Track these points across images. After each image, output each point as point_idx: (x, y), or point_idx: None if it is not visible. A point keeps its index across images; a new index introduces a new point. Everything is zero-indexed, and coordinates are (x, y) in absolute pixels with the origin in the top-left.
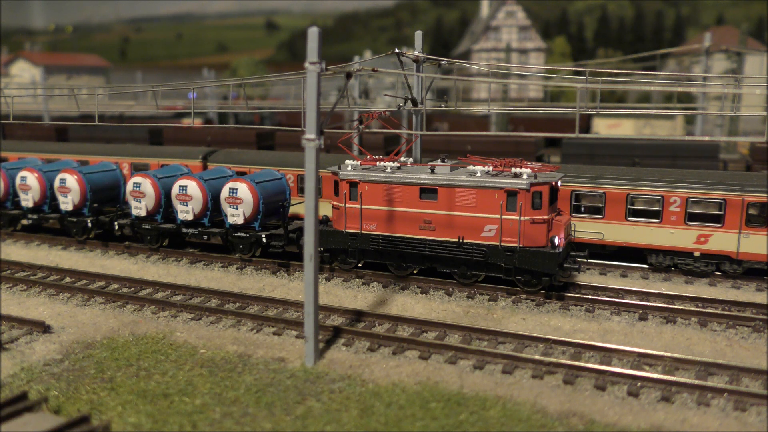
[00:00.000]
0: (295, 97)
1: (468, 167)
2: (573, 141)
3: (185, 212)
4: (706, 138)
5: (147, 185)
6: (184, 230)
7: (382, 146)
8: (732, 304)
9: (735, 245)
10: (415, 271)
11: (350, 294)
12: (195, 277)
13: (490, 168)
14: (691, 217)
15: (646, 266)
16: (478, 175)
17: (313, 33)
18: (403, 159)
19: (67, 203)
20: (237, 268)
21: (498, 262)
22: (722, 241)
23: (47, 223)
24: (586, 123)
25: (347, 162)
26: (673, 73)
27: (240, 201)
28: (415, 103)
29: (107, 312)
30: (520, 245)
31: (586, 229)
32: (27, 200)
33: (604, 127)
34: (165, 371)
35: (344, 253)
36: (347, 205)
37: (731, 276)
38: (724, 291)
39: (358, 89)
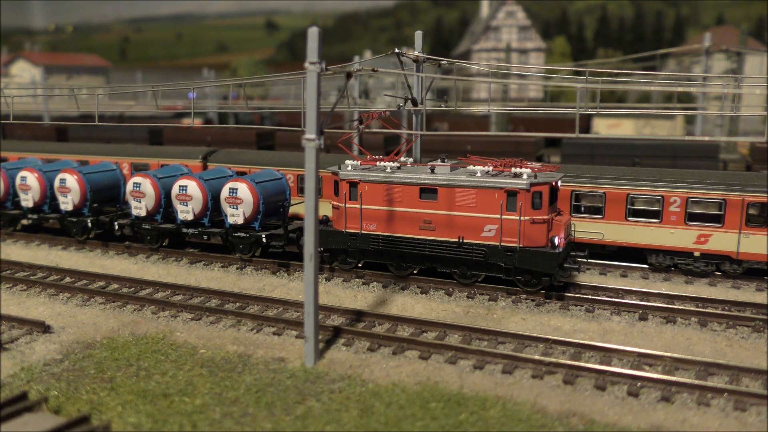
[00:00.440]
0: (295, 97)
1: (468, 167)
2: (573, 141)
3: (185, 212)
4: (706, 138)
5: (147, 185)
6: (184, 230)
7: (382, 146)
8: (732, 304)
9: (735, 245)
10: (415, 271)
11: (350, 294)
12: (195, 277)
13: (490, 168)
14: (691, 217)
15: (646, 266)
16: (478, 175)
17: (313, 33)
18: (403, 159)
19: (67, 203)
20: (237, 268)
21: (498, 262)
22: (722, 241)
23: (47, 223)
24: (586, 123)
25: (347, 162)
26: (673, 73)
27: (240, 201)
28: (415, 103)
29: (107, 312)
30: (520, 245)
31: (586, 229)
32: (27, 200)
33: (604, 127)
34: (165, 371)
35: (344, 253)
36: (347, 205)
37: (731, 276)
38: (724, 291)
39: (358, 89)
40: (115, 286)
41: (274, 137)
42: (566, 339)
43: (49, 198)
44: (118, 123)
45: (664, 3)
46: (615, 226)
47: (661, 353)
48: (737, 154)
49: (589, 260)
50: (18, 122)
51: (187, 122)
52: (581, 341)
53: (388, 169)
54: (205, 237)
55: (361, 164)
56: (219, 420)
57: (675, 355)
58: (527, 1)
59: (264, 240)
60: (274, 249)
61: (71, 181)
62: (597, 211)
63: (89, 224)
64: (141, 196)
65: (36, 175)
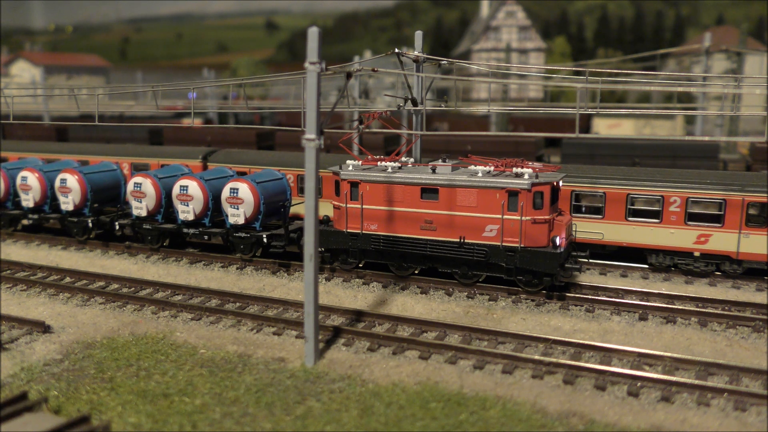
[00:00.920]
0: (295, 97)
1: (469, 167)
2: (573, 141)
3: (186, 212)
4: (706, 138)
5: (148, 185)
6: (185, 230)
7: (382, 146)
8: (732, 304)
9: (735, 245)
10: (416, 272)
11: (350, 294)
12: (195, 277)
13: (492, 168)
14: (691, 217)
15: (646, 266)
16: (480, 175)
17: (313, 33)
18: (404, 159)
19: (67, 203)
20: (237, 268)
21: (499, 262)
22: (722, 241)
23: (48, 223)
24: (586, 123)
25: (348, 162)
26: (673, 73)
27: (241, 201)
28: (415, 103)
29: (107, 312)
30: (522, 245)
31: (586, 229)
32: (28, 200)
33: (604, 127)
34: (165, 371)
35: (345, 253)
36: (348, 205)
37: (731, 276)
38: (724, 291)
39: (358, 89)
40: (115, 286)
41: (274, 137)
42: (566, 339)
43: (49, 198)
44: (118, 123)
45: (664, 3)
46: (615, 226)
47: (661, 353)
48: (737, 154)
49: (589, 260)
50: (18, 122)
51: (187, 122)
52: (581, 341)
53: (389, 169)
54: (206, 237)
55: (362, 164)
56: (219, 420)
57: (675, 355)
58: (527, 1)
59: (265, 240)
60: (274, 249)
61: (72, 181)
62: (597, 211)
63: (90, 224)
64: (142, 196)
65: (37, 175)
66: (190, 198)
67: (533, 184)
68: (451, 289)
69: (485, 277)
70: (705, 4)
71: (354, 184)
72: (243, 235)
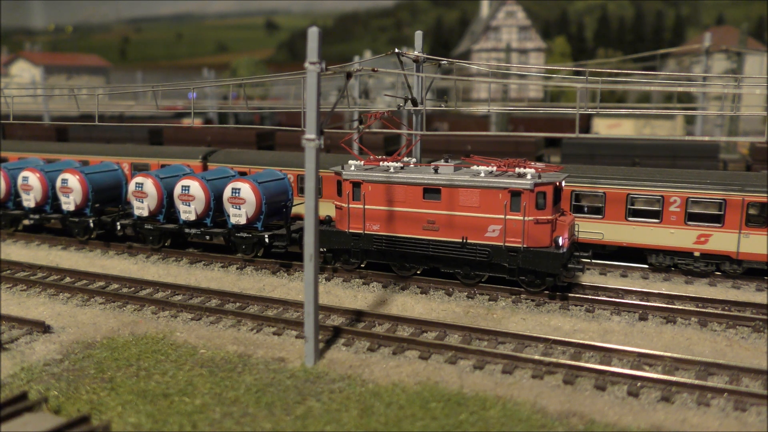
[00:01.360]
0: (295, 97)
1: (471, 167)
2: (573, 141)
3: (188, 212)
4: (706, 138)
5: (149, 185)
6: (187, 230)
7: (382, 146)
8: (732, 304)
9: (735, 245)
10: (418, 272)
11: (350, 294)
12: (195, 277)
13: (494, 168)
14: (691, 217)
15: (646, 266)
16: (482, 175)
17: (313, 33)
18: (406, 159)
19: (69, 203)
20: (237, 268)
21: (502, 263)
22: (722, 241)
23: (49, 223)
24: (586, 123)
25: (350, 162)
26: (673, 73)
27: (243, 201)
28: (415, 103)
29: (107, 312)
30: (524, 245)
31: (586, 229)
32: (29, 200)
33: (604, 127)
34: (165, 371)
35: (347, 254)
36: (350, 206)
37: (731, 276)
38: (724, 291)
39: (358, 89)
40: (115, 286)
41: (274, 137)
42: (566, 339)
43: (50, 198)
44: (118, 123)
45: (664, 3)
46: (615, 226)
47: (661, 353)
48: (737, 154)
49: (592, 260)
50: (18, 122)
51: (187, 122)
52: (581, 341)
53: (392, 170)
54: (208, 237)
55: (364, 164)
56: (219, 420)
57: (675, 355)
58: (527, 1)
59: (267, 240)
60: (276, 249)
61: (73, 181)
62: (597, 211)
63: (91, 224)
64: (143, 196)
65: (38, 175)
66: (191, 198)
67: (536, 184)
68: (451, 289)
69: (487, 277)
70: (705, 4)
71: (356, 184)
72: (245, 235)
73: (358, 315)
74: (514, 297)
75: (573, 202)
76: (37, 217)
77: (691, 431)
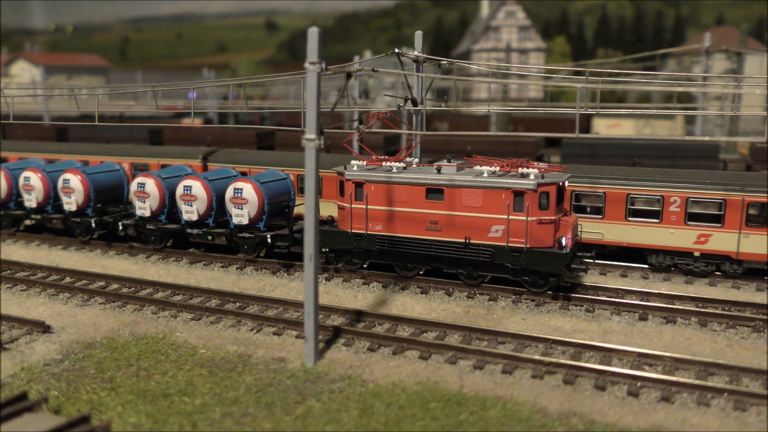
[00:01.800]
0: (295, 97)
1: (474, 167)
2: (573, 141)
3: (190, 212)
4: (706, 138)
5: (151, 185)
6: (189, 231)
7: (382, 146)
8: (732, 304)
9: (735, 245)
10: (421, 272)
11: (350, 294)
12: (195, 277)
13: (497, 168)
14: (691, 217)
15: (646, 266)
16: (485, 175)
17: (313, 33)
18: (408, 159)
19: (70, 203)
20: (237, 268)
21: (505, 263)
22: (722, 241)
23: (50, 223)
24: (586, 123)
25: (353, 162)
26: (673, 73)
27: (245, 201)
28: (415, 103)
29: (107, 312)
30: (527, 246)
31: (586, 229)
32: (30, 200)
33: (604, 127)
34: (165, 371)
35: (349, 254)
36: (353, 206)
37: (731, 276)
38: (724, 291)
39: (358, 89)
40: (115, 286)
41: (274, 137)
42: (566, 339)
43: (52, 198)
44: (118, 123)
45: (664, 3)
46: (615, 226)
47: (661, 353)
48: (737, 154)
49: (595, 261)
50: (18, 122)
51: (187, 122)
52: (581, 341)
53: (394, 170)
54: (210, 237)
55: (366, 164)
56: (219, 420)
57: (675, 355)
58: (527, 1)
59: (269, 240)
60: (278, 249)
61: (75, 181)
62: (597, 211)
63: (93, 224)
64: (145, 196)
65: (39, 175)
66: (193, 198)
67: (539, 185)
68: (451, 289)
69: (490, 277)
70: (705, 4)
71: (359, 185)
72: (247, 235)
73: (358, 315)
74: (514, 297)
75: (573, 202)
76: (38, 217)
77: (691, 431)
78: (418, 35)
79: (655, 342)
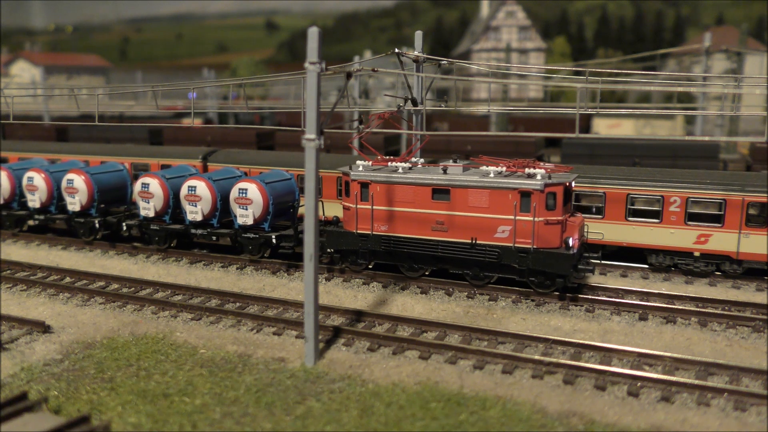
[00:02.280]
0: (295, 97)
1: (481, 168)
2: (573, 141)
3: (194, 213)
4: (706, 138)
5: (155, 186)
6: (193, 231)
7: (383, 146)
8: (732, 304)
9: (735, 245)
10: (426, 273)
11: (350, 294)
12: (195, 277)
13: (503, 168)
14: (691, 217)
15: (646, 266)
16: (491, 175)
17: (313, 33)
18: (414, 159)
19: (74, 204)
20: (237, 268)
21: (511, 264)
22: (722, 241)
23: (54, 223)
24: (586, 123)
25: (358, 162)
26: (673, 73)
27: (250, 201)
28: (415, 103)
29: (107, 312)
30: (534, 246)
31: (587, 229)
32: (34, 201)
33: (604, 127)
34: (165, 371)
35: (355, 254)
36: (358, 206)
37: (731, 276)
38: (724, 291)
39: (358, 89)
40: (115, 286)
41: (274, 137)
42: (566, 339)
43: (56, 199)
44: (118, 123)
45: (664, 3)
46: (615, 226)
47: (661, 353)
48: (737, 154)
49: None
50: (18, 122)
51: (187, 122)
52: (581, 341)
53: (400, 170)
54: (214, 238)
55: (372, 165)
56: (219, 420)
57: (675, 355)
58: (527, 1)
59: (274, 241)
60: (283, 250)
61: (79, 181)
62: (597, 211)
63: (97, 225)
64: (149, 196)
65: (43, 175)
66: (198, 198)
67: (546, 185)
68: (451, 289)
69: (497, 278)
70: (705, 4)
71: (364, 185)
72: (252, 235)
73: (358, 315)
74: (514, 297)
75: (573, 202)
76: (42, 217)
77: (691, 431)
78: (418, 35)
79: (655, 342)
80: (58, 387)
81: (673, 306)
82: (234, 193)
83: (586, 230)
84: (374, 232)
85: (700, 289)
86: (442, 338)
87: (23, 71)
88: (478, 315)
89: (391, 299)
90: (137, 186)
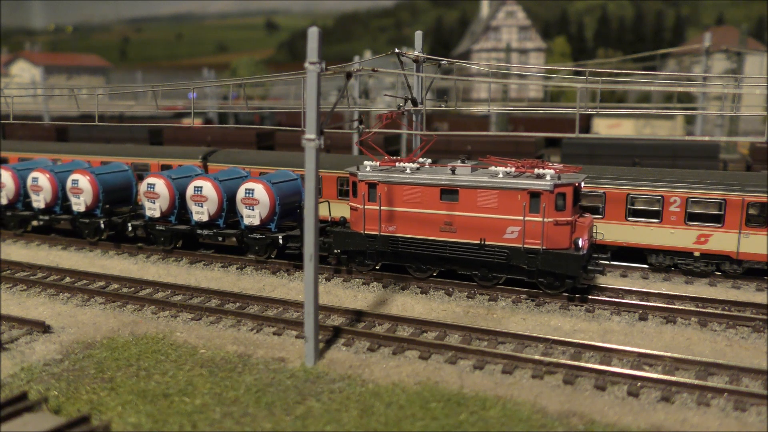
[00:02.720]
0: (295, 97)
1: (489, 168)
2: (573, 141)
3: (200, 213)
4: (706, 138)
5: (161, 186)
6: (199, 231)
7: (383, 146)
8: (732, 304)
9: (735, 245)
10: (434, 274)
11: (350, 294)
12: (195, 277)
13: (512, 169)
14: (691, 217)
15: (646, 266)
16: (500, 176)
17: (313, 33)
18: (421, 160)
19: (79, 204)
20: (237, 268)
21: (520, 264)
22: (722, 241)
23: (58, 224)
24: (586, 123)
25: (366, 163)
26: (673, 73)
27: (256, 202)
28: (415, 103)
29: (107, 312)
30: (543, 247)
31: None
32: (38, 201)
33: (604, 127)
34: (165, 371)
35: (362, 255)
36: (366, 207)
37: (731, 276)
38: (724, 291)
39: (358, 89)
40: (115, 286)
41: (274, 137)
42: (566, 339)
43: (60, 199)
44: (118, 123)
45: (664, 3)
46: (615, 226)
47: (661, 353)
48: (737, 154)
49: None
50: (18, 122)
51: (187, 122)
52: (581, 341)
53: (408, 170)
54: (220, 238)
55: (379, 165)
56: (219, 420)
57: (675, 355)
58: (527, 1)
59: (280, 241)
60: (290, 251)
61: (84, 182)
62: (597, 211)
63: (102, 225)
64: (155, 197)
65: (48, 175)
66: (204, 199)
67: (556, 185)
68: (451, 289)
69: (505, 279)
70: (705, 4)
71: (372, 185)
72: (258, 236)
73: (358, 315)
74: (514, 297)
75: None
76: (46, 218)
77: (691, 431)
78: (418, 35)
79: (655, 342)
80: (58, 387)
81: (673, 306)
82: (240, 194)
83: (595, 231)
84: (382, 233)
85: (700, 289)
86: (442, 338)
87: (23, 71)
88: (478, 315)
89: (391, 299)
90: (143, 186)
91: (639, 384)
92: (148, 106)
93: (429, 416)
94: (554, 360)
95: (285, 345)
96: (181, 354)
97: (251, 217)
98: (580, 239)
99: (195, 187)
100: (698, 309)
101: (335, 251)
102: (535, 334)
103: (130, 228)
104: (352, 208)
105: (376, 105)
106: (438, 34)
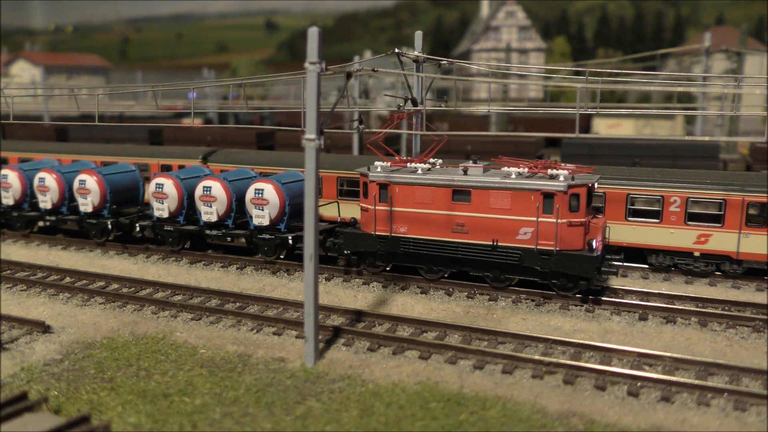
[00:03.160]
0: (295, 97)
1: (501, 169)
2: (573, 141)
3: (209, 214)
4: (706, 138)
5: (170, 186)
6: (208, 232)
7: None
8: (732, 304)
9: (735, 245)
10: (446, 275)
11: (350, 294)
12: (195, 277)
13: (525, 170)
14: (691, 217)
15: (646, 266)
16: (513, 177)
17: (313, 33)
18: (432, 160)
19: (86, 205)
20: (237, 268)
21: (533, 266)
22: (722, 241)
23: (65, 224)
24: (586, 123)
25: (376, 163)
26: (673, 73)
27: (266, 202)
28: (415, 103)
29: (107, 312)
30: (557, 248)
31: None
32: (45, 202)
33: (604, 127)
34: (165, 371)
35: (372, 256)
36: (377, 207)
37: (731, 276)
38: (724, 291)
39: (358, 89)
40: (115, 286)
41: (274, 137)
42: (566, 339)
43: (67, 200)
44: (118, 123)
45: (664, 3)
46: (615, 226)
47: (661, 353)
48: (737, 154)
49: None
50: (18, 122)
51: (187, 122)
52: (581, 341)
53: (419, 171)
54: (229, 239)
55: (390, 165)
56: (219, 420)
57: (675, 355)
58: (527, 1)
59: (290, 242)
60: (299, 251)
61: (91, 182)
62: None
63: (109, 226)
64: (163, 197)
65: (55, 176)
66: (213, 199)
67: (569, 186)
68: (451, 289)
69: (518, 280)
70: (705, 4)
71: (383, 186)
72: (267, 236)
73: (358, 315)
74: (514, 297)
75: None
76: (53, 218)
77: (691, 431)
78: (418, 35)
79: (655, 342)
80: (58, 387)
81: (673, 306)
82: (250, 194)
83: (608, 232)
84: (393, 234)
85: (700, 289)
86: (442, 338)
87: (23, 71)
88: (478, 315)
89: (391, 299)
90: (151, 186)
91: (639, 384)
92: (148, 106)
93: (429, 416)
94: (554, 360)
95: (285, 345)
96: (181, 354)
97: (261, 217)
98: (594, 240)
99: (204, 187)
100: (698, 309)
101: (345, 252)
102: (535, 334)
103: (138, 228)
104: (363, 209)
105: (376, 105)
106: (438, 34)
